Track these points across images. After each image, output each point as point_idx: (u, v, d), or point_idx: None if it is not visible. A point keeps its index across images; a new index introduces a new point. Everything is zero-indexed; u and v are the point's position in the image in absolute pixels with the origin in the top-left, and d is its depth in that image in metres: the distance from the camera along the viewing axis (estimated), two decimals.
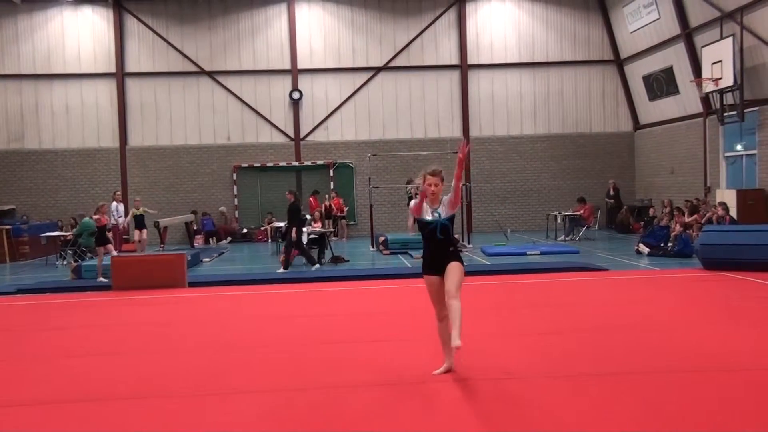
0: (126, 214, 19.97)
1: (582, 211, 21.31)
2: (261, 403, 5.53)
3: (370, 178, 20.98)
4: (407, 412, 5.16)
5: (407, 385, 5.87)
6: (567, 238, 20.54)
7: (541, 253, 16.71)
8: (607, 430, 4.70)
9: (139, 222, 19.26)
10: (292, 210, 15.17)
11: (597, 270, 13.35)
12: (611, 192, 23.63)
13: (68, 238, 18.79)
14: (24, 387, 6.27)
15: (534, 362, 6.48)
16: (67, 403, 5.73)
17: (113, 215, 18.85)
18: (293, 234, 14.97)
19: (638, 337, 7.42)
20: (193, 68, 24.56)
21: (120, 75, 24.34)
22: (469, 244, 19.27)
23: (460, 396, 5.49)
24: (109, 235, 15.08)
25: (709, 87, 18.93)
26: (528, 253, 16.84)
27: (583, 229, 21.05)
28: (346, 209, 23.78)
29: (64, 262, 17.79)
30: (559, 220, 21.47)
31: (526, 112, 25.32)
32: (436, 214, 5.90)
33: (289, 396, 5.72)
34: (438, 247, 5.94)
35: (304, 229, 16.41)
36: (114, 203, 19.42)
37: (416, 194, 21.41)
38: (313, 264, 15.10)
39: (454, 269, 5.84)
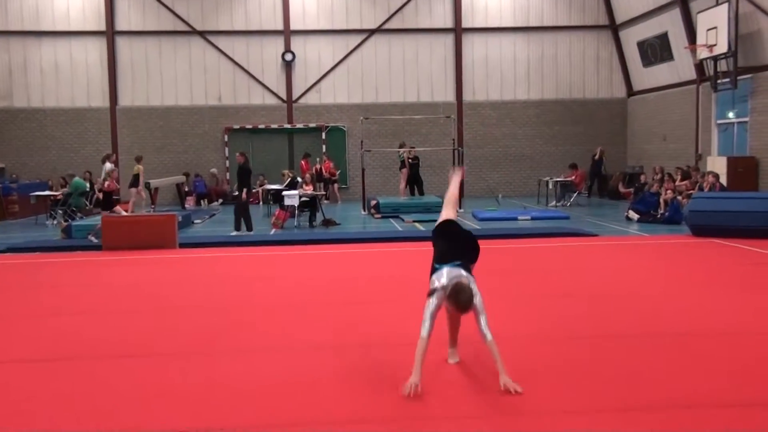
0: (118, 179, 19.83)
1: (574, 177, 21.34)
2: (249, 363, 5.57)
3: (362, 142, 20.90)
4: (392, 370, 5.21)
5: (397, 346, 5.92)
6: (558, 204, 20.59)
7: (532, 219, 16.75)
8: (593, 385, 4.76)
9: (135, 181, 19.17)
10: (243, 172, 15.23)
11: (587, 236, 13.41)
12: (596, 157, 23.04)
13: (58, 197, 18.71)
14: (13, 345, 6.30)
15: (520, 325, 6.53)
16: (56, 361, 5.75)
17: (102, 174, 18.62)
18: (243, 195, 14.97)
19: (625, 303, 7.49)
20: (185, 27, 24.26)
21: (110, 33, 24.03)
22: (460, 208, 19.29)
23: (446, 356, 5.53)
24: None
25: (703, 54, 18.84)
26: (519, 218, 16.88)
27: (575, 195, 21.09)
28: (337, 172, 23.72)
29: (54, 222, 17.74)
30: (550, 186, 21.50)
31: (519, 77, 25.19)
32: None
33: (275, 356, 5.76)
34: None
35: (295, 192, 16.40)
36: (109, 165, 19.26)
37: (409, 158, 21.04)
38: (238, 230, 14.97)
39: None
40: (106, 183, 14.49)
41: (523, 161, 25.17)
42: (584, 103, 25.25)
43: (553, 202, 20.85)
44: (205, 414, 4.49)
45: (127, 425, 4.32)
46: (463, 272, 4.91)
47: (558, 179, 21.45)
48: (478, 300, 4.70)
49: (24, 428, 4.32)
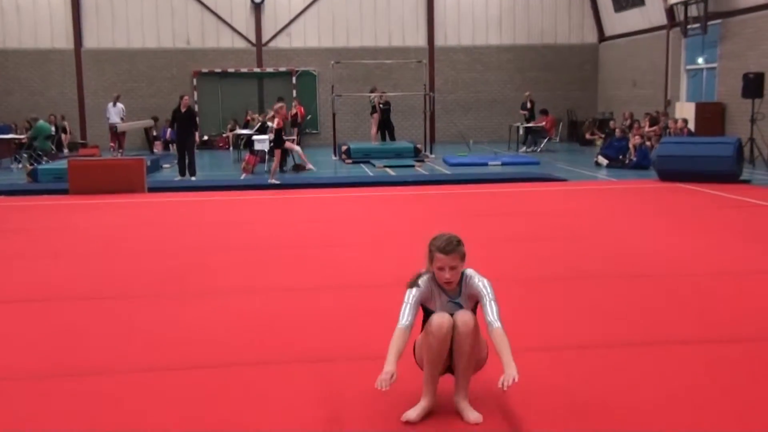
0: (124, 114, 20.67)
1: (544, 123, 21.39)
2: (218, 305, 5.61)
3: (333, 87, 20.70)
4: (363, 312, 5.28)
5: (372, 287, 5.99)
6: (528, 150, 20.68)
7: (503, 164, 16.82)
8: (564, 323, 4.88)
9: None
10: (192, 115, 15.25)
11: (556, 180, 13.53)
12: (527, 105, 22.11)
13: (23, 141, 18.38)
14: None
15: (493, 268, 6.62)
16: (21, 303, 5.74)
17: (118, 114, 20.14)
18: (196, 139, 15.15)
19: (594, 245, 7.63)
20: None
21: None
22: (431, 154, 19.31)
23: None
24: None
25: None
26: (489, 163, 16.94)
27: (545, 140, 21.17)
28: (308, 117, 23.50)
29: (20, 166, 17.46)
30: (521, 132, 21.54)
31: (491, 21, 24.98)
32: (453, 305, 3.69)
33: (245, 298, 5.80)
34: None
35: (265, 137, 16.27)
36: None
37: (380, 104, 20.90)
38: (183, 176, 14.87)
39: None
40: (276, 121, 14.06)
41: (494, 107, 25.15)
42: (556, 48, 25.17)
43: (524, 148, 20.93)
44: (171, 353, 4.53)
45: (94, 364, 4.35)
46: None
47: (528, 125, 21.48)
48: (486, 284, 3.66)
49: None
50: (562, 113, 24.16)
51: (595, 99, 25.24)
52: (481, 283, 3.65)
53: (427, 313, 3.68)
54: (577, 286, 6.00)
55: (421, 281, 3.66)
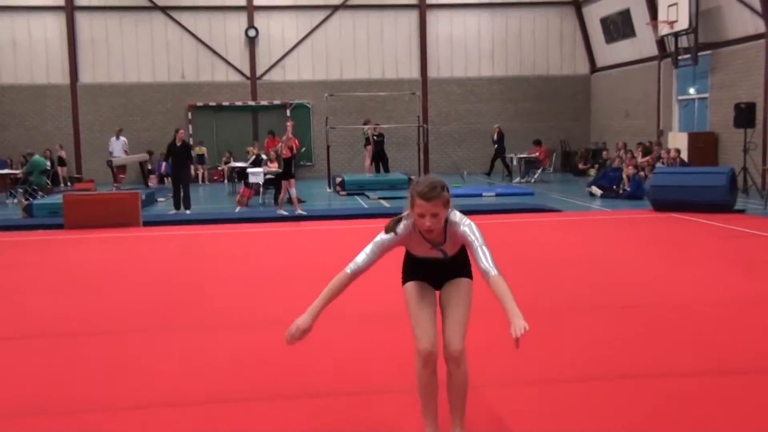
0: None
1: (537, 154, 21.52)
2: (210, 338, 5.59)
3: (327, 119, 20.83)
4: (356, 344, 5.26)
5: (363, 320, 5.99)
6: (522, 180, 20.77)
7: (497, 195, 16.89)
8: (552, 355, 4.88)
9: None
10: (186, 149, 15.41)
11: (551, 211, 13.57)
12: (494, 138, 22.21)
13: (18, 176, 18.41)
14: None
15: (483, 297, 6.62)
16: (18, 339, 5.71)
17: (121, 148, 21.50)
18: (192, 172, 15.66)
19: (587, 276, 7.64)
20: (146, 3, 23.83)
21: (69, 9, 23.52)
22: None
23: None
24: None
25: (664, 30, 19.06)
26: (484, 194, 17.00)
27: (539, 171, 21.28)
28: (302, 150, 23.56)
29: (14, 200, 17.47)
30: (515, 163, 21.65)
31: (484, 53, 25.23)
32: (438, 252, 3.45)
33: (237, 332, 5.78)
34: (439, 266, 3.54)
35: (260, 170, 16.32)
36: (121, 138, 21.79)
37: (374, 136, 20.91)
38: (177, 209, 14.91)
39: (462, 291, 3.54)
40: (284, 151, 14.07)
41: (487, 138, 25.14)
42: (548, 79, 25.40)
43: (518, 179, 21.03)
44: (166, 387, 4.50)
45: (88, 400, 4.32)
46: None
47: (522, 155, 21.60)
48: (473, 229, 3.31)
49: None
50: (555, 144, 24.32)
51: (588, 129, 25.41)
52: (468, 229, 3.30)
53: (409, 257, 3.49)
54: (569, 317, 5.99)
55: (400, 228, 3.34)
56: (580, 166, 22.61)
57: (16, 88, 23.65)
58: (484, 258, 3.24)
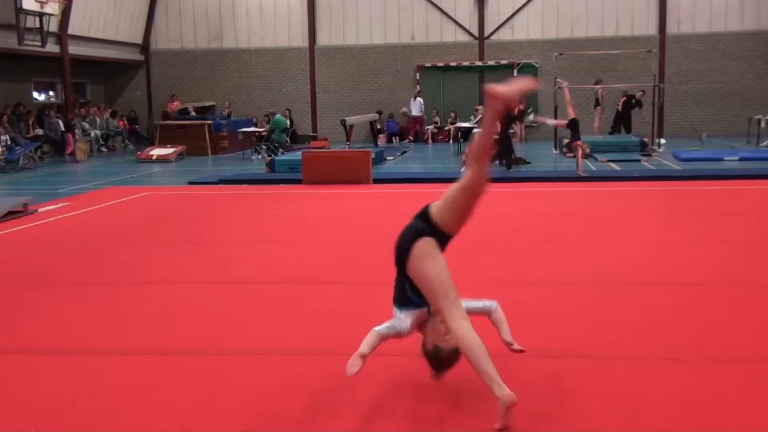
0: None
1: None
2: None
3: (555, 79, 20.28)
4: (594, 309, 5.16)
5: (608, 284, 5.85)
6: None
7: (741, 159, 15.58)
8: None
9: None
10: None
11: None
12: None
13: (262, 133, 19.89)
14: (225, 269, 6.85)
15: (710, 269, 6.21)
16: (261, 284, 6.23)
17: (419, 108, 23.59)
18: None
19: None
20: None
21: None
22: (659, 148, 18.36)
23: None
24: None
25: None
26: (725, 159, 15.76)
27: None
28: (529, 111, 23.20)
29: (259, 157, 18.90)
30: (763, 125, 19.81)
31: (732, 4, 23.16)
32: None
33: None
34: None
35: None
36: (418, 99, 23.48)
37: (627, 96, 19.57)
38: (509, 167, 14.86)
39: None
40: (570, 111, 14.31)
41: (731, 98, 23.34)
42: None
43: (765, 142, 19.25)
44: None
45: (326, 346, 4.63)
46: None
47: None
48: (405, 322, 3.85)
49: (237, 340, 4.76)
50: None
51: None
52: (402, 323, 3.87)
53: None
54: None
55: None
56: None
57: (262, 51, 25.46)
58: (450, 319, 3.59)
